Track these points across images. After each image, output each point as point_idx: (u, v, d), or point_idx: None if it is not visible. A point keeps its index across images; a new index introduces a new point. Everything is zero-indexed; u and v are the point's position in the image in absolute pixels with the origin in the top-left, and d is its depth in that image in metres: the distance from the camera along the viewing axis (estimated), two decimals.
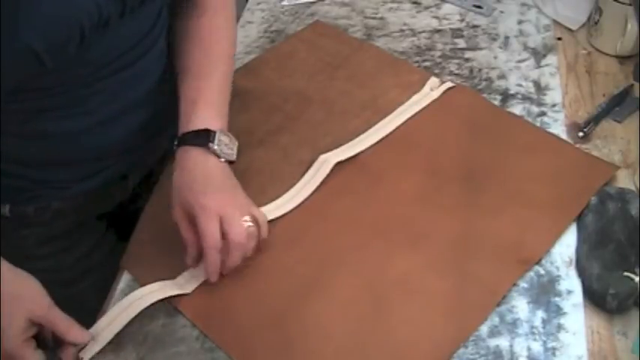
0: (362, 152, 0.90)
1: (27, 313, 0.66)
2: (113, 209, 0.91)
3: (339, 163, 0.87)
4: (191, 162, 0.76)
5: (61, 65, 0.68)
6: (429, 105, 0.97)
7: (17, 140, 0.76)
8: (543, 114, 0.95)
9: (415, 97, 0.99)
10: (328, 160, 0.87)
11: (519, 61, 1.05)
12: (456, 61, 1.05)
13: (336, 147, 0.90)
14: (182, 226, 0.75)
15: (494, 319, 0.73)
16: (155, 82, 0.85)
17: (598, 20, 1.04)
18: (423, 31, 1.12)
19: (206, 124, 0.77)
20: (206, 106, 0.79)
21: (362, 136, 0.92)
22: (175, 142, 0.78)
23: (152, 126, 0.87)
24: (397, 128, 0.93)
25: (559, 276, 0.77)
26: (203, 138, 0.77)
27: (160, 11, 0.81)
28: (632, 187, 0.84)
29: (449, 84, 1.01)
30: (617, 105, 0.95)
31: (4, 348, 0.64)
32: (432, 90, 1.00)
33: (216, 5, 0.85)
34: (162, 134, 0.89)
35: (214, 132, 0.77)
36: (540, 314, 0.73)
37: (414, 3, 1.18)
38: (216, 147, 0.76)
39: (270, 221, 0.81)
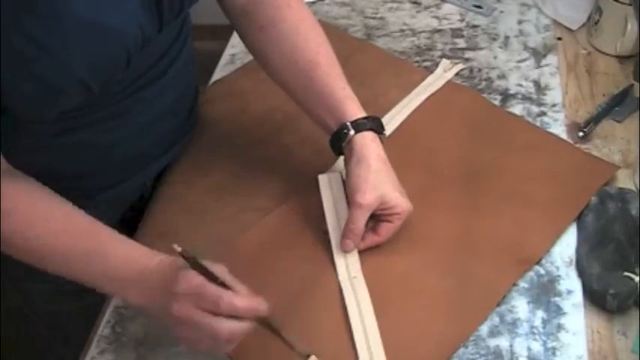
0: None
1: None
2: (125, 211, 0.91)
3: None
4: (377, 150, 0.77)
5: (104, 86, 0.69)
6: (429, 105, 0.97)
7: (48, 153, 0.75)
8: (543, 114, 0.95)
9: (430, 79, 1.00)
10: None
11: (519, 61, 1.05)
12: (456, 61, 1.05)
13: None
14: (365, 216, 0.74)
15: (494, 319, 0.73)
16: (183, 88, 0.85)
17: (598, 20, 1.04)
18: (423, 31, 1.12)
19: (363, 112, 0.78)
20: (353, 95, 0.80)
21: (389, 116, 0.94)
22: (350, 128, 0.77)
23: (177, 133, 0.88)
24: (399, 127, 0.94)
25: (559, 276, 0.77)
26: (378, 125, 0.78)
27: (184, 17, 0.81)
28: (632, 187, 0.84)
29: (460, 66, 1.03)
30: (617, 105, 0.96)
31: (182, 287, 0.62)
32: (445, 72, 1.02)
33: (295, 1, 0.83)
34: (182, 141, 0.90)
35: (379, 118, 0.79)
36: (540, 314, 0.73)
37: (414, 3, 1.18)
38: (385, 135, 0.79)
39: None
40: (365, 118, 0.78)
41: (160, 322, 0.67)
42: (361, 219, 0.74)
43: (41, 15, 0.60)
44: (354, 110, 0.78)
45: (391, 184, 0.75)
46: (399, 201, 0.75)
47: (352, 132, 0.76)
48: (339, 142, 0.78)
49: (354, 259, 0.77)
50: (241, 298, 0.62)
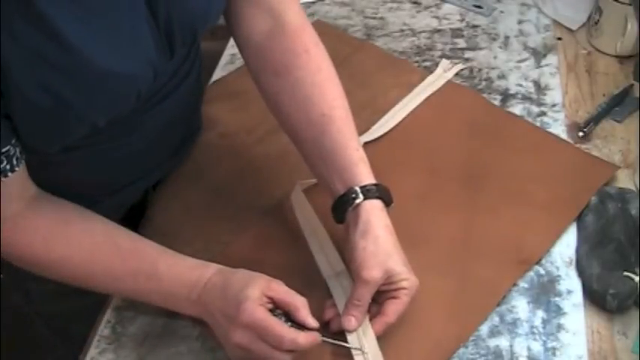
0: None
1: (263, 286, 0.64)
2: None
3: None
4: (385, 220, 0.71)
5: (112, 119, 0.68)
6: (429, 105, 0.97)
7: (56, 167, 0.74)
8: (543, 114, 0.95)
9: (430, 79, 1.00)
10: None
11: (519, 61, 1.05)
12: (456, 61, 1.05)
13: None
14: (372, 292, 0.68)
15: (494, 319, 0.73)
16: (192, 103, 0.85)
17: (598, 20, 1.04)
18: (423, 31, 1.12)
19: (372, 177, 0.72)
20: (364, 157, 0.74)
21: (388, 115, 0.94)
22: (355, 195, 0.70)
23: (185, 139, 0.88)
24: (399, 123, 0.94)
25: (559, 276, 0.77)
26: (387, 194, 0.72)
27: None
28: (632, 187, 0.84)
29: (460, 66, 1.03)
30: (617, 105, 0.96)
31: (246, 317, 0.63)
32: (445, 72, 1.02)
33: (313, 42, 0.77)
34: (189, 145, 0.91)
35: (388, 190, 0.73)
36: (540, 314, 0.73)
37: (414, 3, 1.18)
38: (393, 206, 0.72)
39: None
40: (375, 185, 0.71)
41: (218, 338, 0.68)
42: (367, 296, 0.68)
43: (59, 67, 0.58)
44: (365, 175, 0.72)
45: (399, 258, 0.69)
46: (405, 275, 0.68)
47: (361, 198, 0.70)
48: (345, 206, 0.71)
49: (334, 253, 0.77)
50: (304, 337, 0.63)
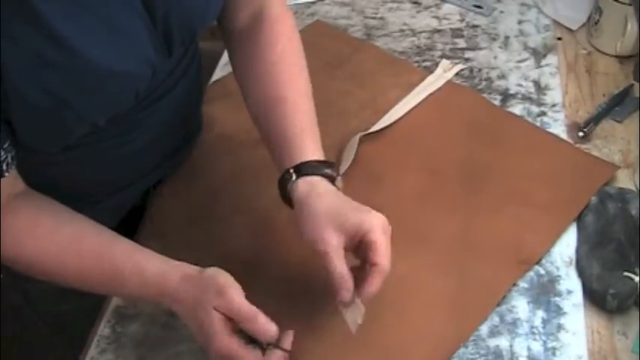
0: (361, 151, 0.90)
1: (213, 308, 0.62)
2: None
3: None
4: (327, 188, 0.68)
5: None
6: (428, 105, 0.97)
7: (55, 166, 0.74)
8: (543, 114, 0.95)
9: (430, 79, 1.00)
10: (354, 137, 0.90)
11: (519, 61, 1.05)
12: (456, 61, 1.05)
13: (335, 147, 0.90)
14: (338, 257, 0.63)
15: (494, 319, 0.73)
16: (191, 101, 0.85)
17: (598, 20, 1.04)
18: (423, 31, 1.12)
19: (318, 156, 0.71)
20: (313, 138, 0.72)
21: (388, 115, 0.94)
22: (292, 173, 0.69)
23: (184, 140, 0.88)
24: (399, 123, 0.94)
25: (559, 276, 0.77)
26: (331, 168, 0.69)
27: None
28: (632, 187, 0.84)
29: (460, 66, 1.03)
30: (617, 105, 0.95)
31: (216, 350, 0.62)
32: (445, 72, 1.02)
33: (288, 32, 0.79)
34: (189, 146, 0.91)
35: (334, 163, 0.71)
36: (540, 314, 0.73)
37: (414, 3, 1.18)
38: (339, 183, 0.69)
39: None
40: (318, 161, 0.70)
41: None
42: (336, 263, 0.63)
43: (57, 67, 0.58)
44: (306, 152, 0.70)
45: (347, 208, 0.65)
46: (361, 218, 0.64)
47: (294, 177, 0.69)
48: (283, 190, 0.70)
49: None
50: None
